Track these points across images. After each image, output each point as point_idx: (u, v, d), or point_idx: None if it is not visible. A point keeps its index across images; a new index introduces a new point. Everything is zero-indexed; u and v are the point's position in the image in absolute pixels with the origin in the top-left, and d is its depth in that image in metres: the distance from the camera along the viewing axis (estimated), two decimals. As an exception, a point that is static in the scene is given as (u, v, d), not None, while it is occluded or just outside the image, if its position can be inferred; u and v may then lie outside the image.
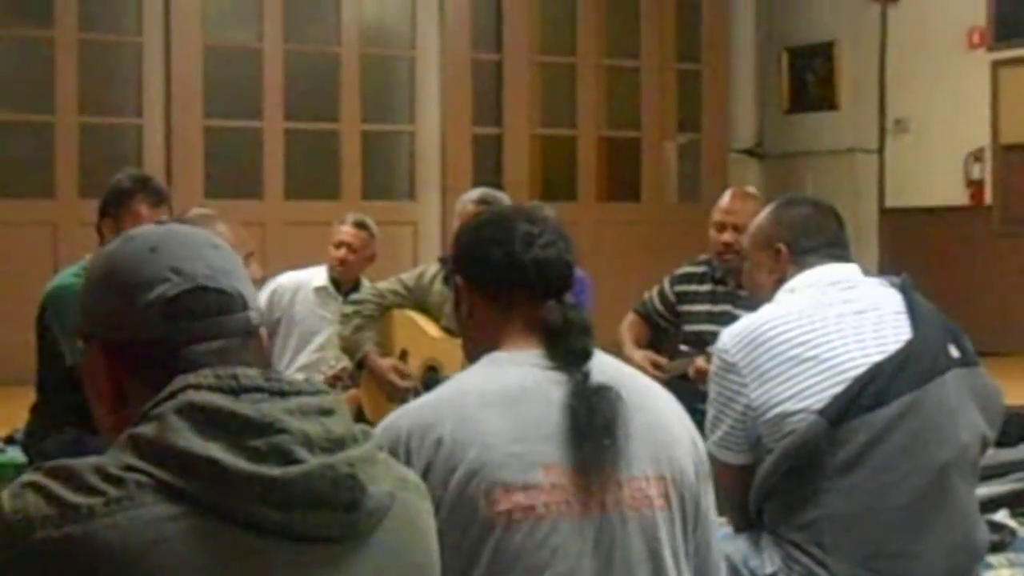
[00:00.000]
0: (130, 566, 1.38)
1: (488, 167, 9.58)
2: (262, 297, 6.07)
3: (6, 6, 8.62)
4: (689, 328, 5.13)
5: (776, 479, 3.03)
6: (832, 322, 3.06)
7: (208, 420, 1.46)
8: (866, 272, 3.25)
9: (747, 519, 3.16)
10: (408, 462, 2.15)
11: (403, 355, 5.05)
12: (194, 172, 8.81)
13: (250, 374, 1.53)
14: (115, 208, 4.36)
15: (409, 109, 9.52)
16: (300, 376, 4.87)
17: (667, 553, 2.24)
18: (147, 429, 1.46)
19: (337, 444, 1.51)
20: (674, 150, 10.42)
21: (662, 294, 5.26)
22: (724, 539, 3.25)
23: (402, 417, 2.28)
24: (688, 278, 5.18)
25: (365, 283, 5.82)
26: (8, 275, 7.78)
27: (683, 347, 5.09)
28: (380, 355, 5.00)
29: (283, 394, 1.53)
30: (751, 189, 5.51)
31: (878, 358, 2.99)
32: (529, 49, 9.73)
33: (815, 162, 10.38)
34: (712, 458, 3.13)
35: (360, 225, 6.03)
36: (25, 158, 8.60)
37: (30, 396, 4.40)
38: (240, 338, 1.62)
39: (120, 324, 1.59)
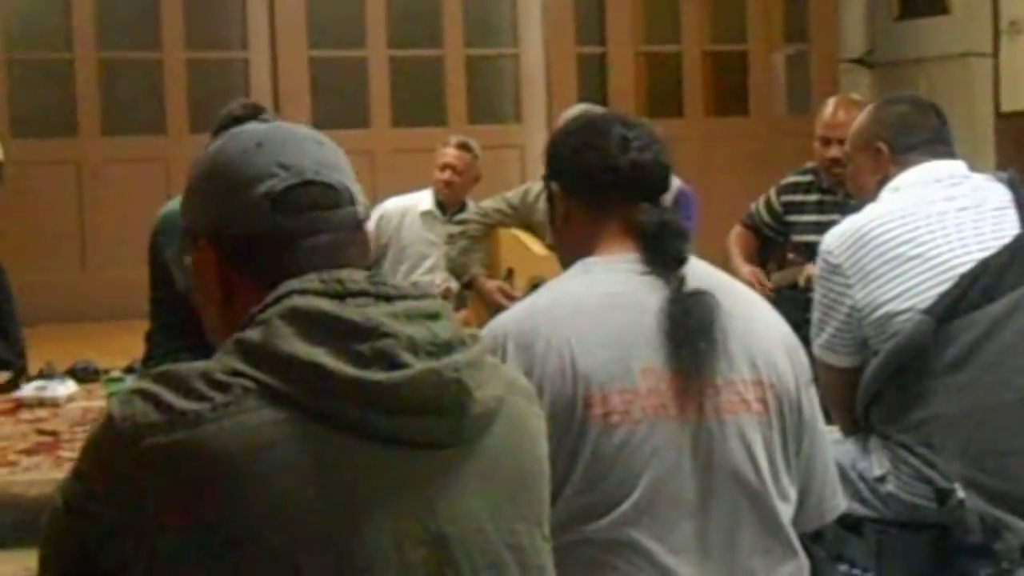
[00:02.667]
0: (237, 471, 1.39)
1: (593, 86, 9.48)
2: (369, 224, 6.12)
3: (111, -53, 8.71)
4: (797, 238, 5.07)
5: (883, 380, 2.99)
6: (936, 219, 3.01)
7: (313, 325, 1.46)
8: (973, 168, 3.18)
9: (855, 422, 3.13)
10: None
11: (509, 273, 5.05)
12: (301, 103, 8.85)
13: (356, 278, 1.53)
14: None
15: (512, 32, 9.46)
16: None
17: (763, 457, 2.22)
18: (253, 334, 1.46)
19: (443, 348, 1.50)
20: (782, 61, 10.24)
21: (769, 205, 5.20)
22: (833, 444, 3.24)
23: (499, 323, 2.28)
24: (794, 188, 5.11)
25: (471, 205, 5.82)
26: (124, 212, 7.90)
27: (791, 256, 5.04)
28: (486, 276, 5.00)
29: (389, 298, 1.52)
30: (855, 96, 5.39)
31: (983, 255, 2.94)
32: (631, -35, 9.61)
33: (928, 68, 10.14)
34: (818, 361, 3.13)
35: (463, 147, 6.03)
36: (135, 96, 8.70)
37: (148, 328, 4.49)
38: (348, 232, 1.62)
39: (229, 218, 1.59)
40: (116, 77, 8.57)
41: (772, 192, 5.20)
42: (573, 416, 2.15)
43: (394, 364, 1.46)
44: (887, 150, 3.16)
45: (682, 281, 2.22)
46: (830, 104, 4.96)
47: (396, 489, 1.47)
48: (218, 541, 1.39)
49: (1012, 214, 3.03)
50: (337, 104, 9.04)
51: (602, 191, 2.33)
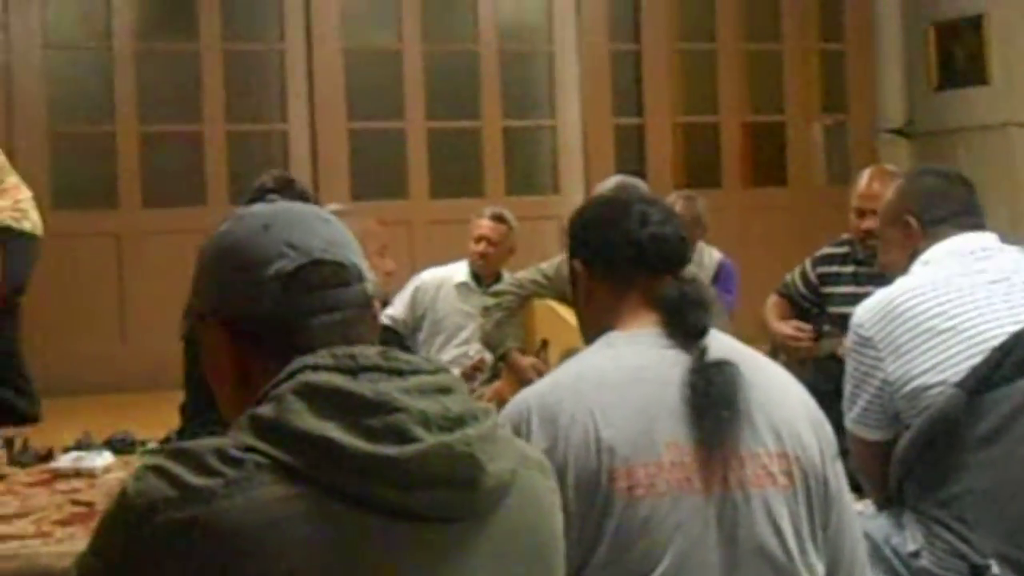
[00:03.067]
0: (249, 547, 1.39)
1: (630, 157, 9.52)
2: (405, 295, 6.13)
3: (152, 22, 8.82)
4: (833, 310, 5.05)
5: (915, 454, 2.97)
6: (967, 292, 2.99)
7: (325, 400, 1.47)
8: (1004, 240, 3.16)
9: (887, 496, 3.10)
10: (531, 440, 2.17)
11: (544, 345, 5.05)
12: (340, 174, 8.92)
13: (368, 353, 1.54)
14: None
15: (549, 103, 9.51)
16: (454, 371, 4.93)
17: (789, 531, 2.21)
18: (266, 410, 1.47)
19: (455, 422, 1.51)
20: (820, 132, 10.25)
21: (804, 276, 5.19)
22: (867, 518, 3.21)
23: (523, 397, 2.30)
24: (830, 259, 5.10)
25: (506, 276, 5.83)
26: (163, 283, 7.94)
27: (827, 328, 5.01)
28: (521, 350, 5.00)
29: (401, 373, 1.53)
30: (890, 167, 5.38)
31: (1016, 327, 2.91)
32: (668, 37, 9.64)
33: (967, 139, 10.12)
34: (850, 435, 3.11)
35: (498, 218, 6.05)
36: (175, 168, 8.78)
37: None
38: (358, 309, 1.64)
39: (240, 300, 1.61)
40: (157, 150, 8.66)
41: (808, 263, 5.18)
42: (598, 489, 2.15)
43: (405, 438, 1.46)
44: (916, 224, 3.15)
45: (704, 352, 2.23)
46: (865, 175, 4.95)
47: (407, 563, 1.47)
48: None
49: (1044, 286, 3.00)
50: (376, 175, 9.10)
51: (624, 266, 2.39)
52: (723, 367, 2.20)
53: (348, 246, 1.67)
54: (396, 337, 6.05)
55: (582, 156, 9.35)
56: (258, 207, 1.72)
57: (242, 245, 1.64)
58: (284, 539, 1.40)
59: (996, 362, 2.88)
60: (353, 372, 1.51)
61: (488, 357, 5.11)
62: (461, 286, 6.07)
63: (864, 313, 3.07)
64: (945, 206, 3.15)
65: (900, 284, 3.08)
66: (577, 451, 2.16)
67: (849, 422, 3.10)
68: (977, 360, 2.90)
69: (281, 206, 1.72)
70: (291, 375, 1.51)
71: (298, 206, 1.74)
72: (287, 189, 4.64)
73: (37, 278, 7.53)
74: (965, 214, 3.14)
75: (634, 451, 2.16)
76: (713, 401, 2.18)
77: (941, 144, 10.27)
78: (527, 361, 4.97)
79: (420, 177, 9.10)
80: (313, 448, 1.44)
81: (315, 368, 1.51)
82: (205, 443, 1.46)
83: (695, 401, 2.18)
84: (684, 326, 2.28)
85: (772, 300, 5.30)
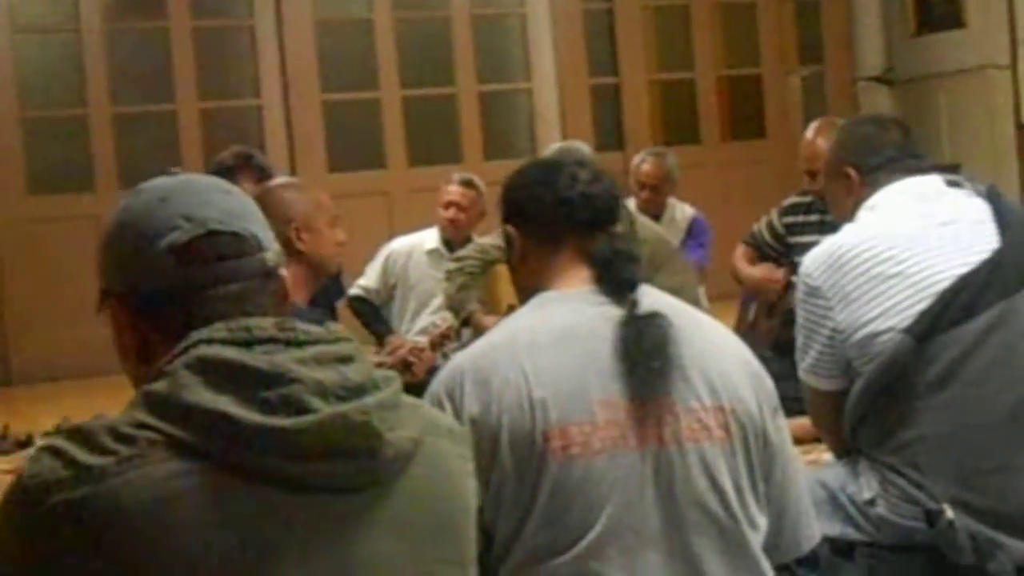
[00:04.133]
0: (143, 524, 1.39)
1: (607, 117, 9.50)
2: (376, 264, 6.12)
3: (120, 2, 8.79)
4: (800, 259, 5.01)
5: (868, 402, 2.95)
6: (915, 236, 2.96)
7: (219, 374, 1.46)
8: (949, 182, 3.14)
9: (843, 445, 3.09)
10: (463, 404, 2.17)
11: (510, 309, 5.02)
12: (316, 147, 8.90)
13: (263, 325, 1.53)
14: None
15: (524, 66, 9.48)
16: (420, 339, 4.92)
17: (728, 485, 2.20)
18: (159, 385, 1.46)
19: (354, 392, 1.49)
20: (798, 83, 10.22)
21: (771, 226, 5.16)
22: (823, 468, 3.20)
23: (457, 362, 2.30)
24: (795, 209, 5.07)
25: (480, 241, 5.82)
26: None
27: (794, 278, 4.99)
28: (485, 312, 4.99)
29: (298, 343, 1.52)
30: (837, 119, 5.26)
31: (963, 270, 2.89)
32: (640, -7, 9.62)
33: (947, 83, 10.08)
34: (804, 385, 3.10)
35: (467, 183, 6.03)
36: (151, 148, 8.75)
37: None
38: (257, 280, 1.63)
39: (136, 274, 1.60)
40: (131, 131, 8.63)
41: (774, 213, 5.16)
42: (533, 450, 2.15)
43: (301, 409, 1.45)
44: (855, 174, 3.14)
45: (634, 304, 2.23)
46: (809, 131, 4.89)
47: (307, 536, 1.46)
48: None
49: (991, 227, 2.98)
50: (352, 146, 9.08)
51: (555, 225, 2.37)
52: (654, 319, 2.20)
53: (247, 216, 1.66)
54: (369, 307, 6.03)
55: (559, 118, 9.33)
56: (159, 180, 1.71)
57: (138, 218, 1.62)
58: (178, 516, 1.39)
59: (944, 306, 2.86)
60: (248, 344, 1.50)
61: (456, 323, 5.10)
62: (432, 252, 6.05)
63: (811, 263, 3.05)
64: (882, 152, 3.13)
65: (847, 231, 3.06)
66: (511, 413, 2.16)
67: (802, 372, 3.09)
68: (925, 305, 2.88)
69: (182, 178, 1.71)
70: (185, 349, 1.50)
71: (200, 178, 1.73)
72: (245, 165, 4.62)
73: (14, 264, 7.53)
74: (903, 158, 3.12)
75: (567, 410, 2.16)
76: (644, 352, 2.17)
77: (921, 90, 10.23)
78: (491, 321, 4.96)
79: (397, 146, 9.08)
80: (206, 422, 1.42)
81: (209, 341, 1.50)
82: (99, 421, 1.45)
83: (626, 354, 2.18)
84: (615, 280, 2.28)
85: (740, 250, 5.28)
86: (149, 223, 1.61)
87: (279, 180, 3.84)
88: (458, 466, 1.65)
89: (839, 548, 2.97)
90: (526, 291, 2.42)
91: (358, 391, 1.50)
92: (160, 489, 1.39)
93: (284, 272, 1.70)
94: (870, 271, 2.95)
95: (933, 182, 3.09)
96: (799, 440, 3.70)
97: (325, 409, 1.46)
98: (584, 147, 5.10)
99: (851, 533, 2.99)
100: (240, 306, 1.58)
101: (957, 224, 2.98)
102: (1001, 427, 2.86)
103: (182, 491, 1.40)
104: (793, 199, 5.12)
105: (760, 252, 5.21)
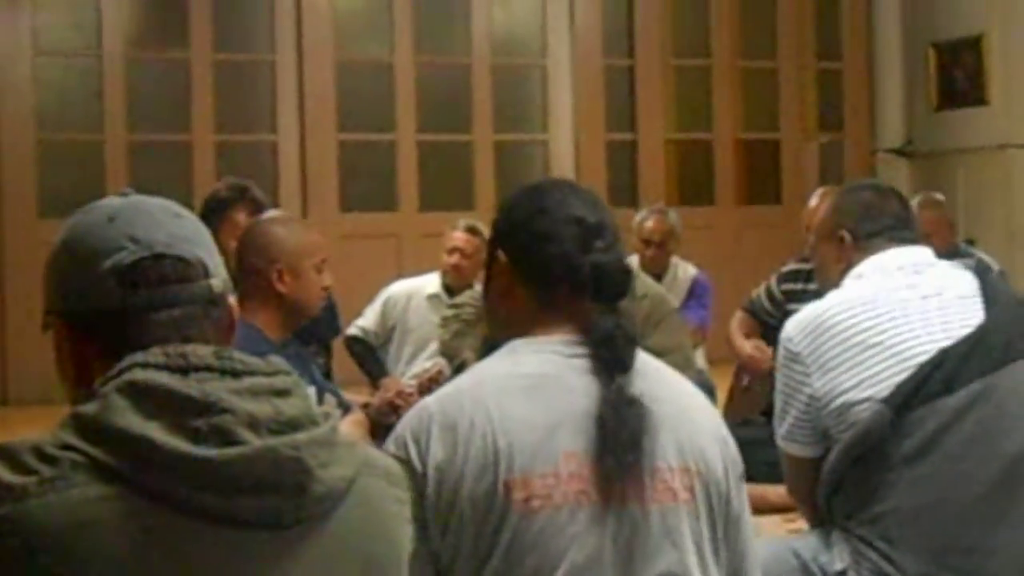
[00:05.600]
0: (60, 547, 1.36)
1: (622, 173, 9.50)
2: (376, 306, 6.10)
3: (143, 30, 8.84)
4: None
5: (842, 471, 2.91)
6: (898, 307, 2.93)
7: (150, 399, 1.43)
8: (939, 255, 3.12)
9: (817, 514, 3.05)
10: (429, 449, 2.12)
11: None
12: (329, 186, 8.91)
13: (200, 353, 1.50)
14: (213, 217, 4.40)
15: (542, 118, 9.49)
16: (413, 383, 4.88)
17: (690, 547, 2.16)
18: (89, 407, 1.43)
19: (287, 426, 1.46)
20: (816, 151, 10.21)
21: (769, 292, 5.14)
22: (797, 537, 3.16)
23: (425, 405, 2.24)
24: (795, 276, 5.05)
25: (478, 289, 5.79)
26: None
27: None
28: (478, 360, 4.95)
29: (235, 373, 1.49)
30: (823, 190, 5.19)
31: (945, 343, 2.86)
32: (662, 52, 9.62)
33: (966, 159, 10.08)
34: (781, 451, 3.06)
35: (472, 230, 6.01)
36: (164, 177, 8.77)
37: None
38: (201, 306, 1.59)
39: (78, 294, 1.58)
40: (145, 159, 8.66)
41: (773, 279, 5.14)
42: (494, 500, 2.10)
43: (230, 441, 1.42)
44: (850, 238, 3.11)
45: (621, 388, 2.14)
46: (813, 198, 4.88)
47: (227, 571, 1.42)
48: None
49: (977, 303, 2.95)
50: (365, 187, 9.10)
51: (556, 286, 2.24)
52: (637, 407, 2.12)
53: (196, 241, 1.63)
54: (365, 347, 6.01)
55: (574, 171, 9.33)
56: (110, 199, 1.69)
57: (83, 237, 1.60)
58: (95, 541, 1.36)
59: (922, 379, 2.83)
60: (183, 371, 1.47)
61: (447, 369, 5.06)
62: (432, 297, 6.03)
63: (793, 328, 3.02)
64: (879, 220, 3.10)
65: (830, 298, 3.03)
66: (475, 461, 2.11)
67: (779, 439, 3.05)
68: (905, 376, 2.84)
69: (133, 199, 1.68)
70: (119, 372, 1.47)
71: (152, 200, 1.69)
72: (241, 198, 4.62)
73: (18, 285, 7.52)
74: (899, 228, 3.09)
75: (532, 460, 2.10)
76: (621, 443, 2.12)
77: (940, 164, 10.22)
78: None
79: (410, 189, 9.09)
80: (132, 448, 1.39)
81: (144, 366, 1.47)
82: (25, 440, 1.42)
83: (602, 438, 2.12)
84: (612, 360, 2.17)
85: (738, 316, 5.26)
86: (94, 243, 1.58)
87: (272, 214, 3.83)
88: (392, 508, 1.61)
89: (807, 618, 2.93)
90: (502, 327, 2.31)
91: (291, 425, 1.47)
92: (79, 513, 1.37)
93: (231, 300, 1.67)
94: (851, 339, 2.92)
95: (922, 253, 3.07)
96: (780, 508, 3.67)
97: (254, 442, 1.43)
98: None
99: (820, 605, 2.95)
100: (181, 332, 1.55)
101: (942, 297, 2.95)
102: (976, 505, 2.82)
103: (102, 516, 1.37)
104: (793, 265, 5.10)
105: (758, 318, 5.19)
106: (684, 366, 4.01)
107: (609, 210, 2.38)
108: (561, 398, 2.16)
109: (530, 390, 2.17)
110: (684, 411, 2.24)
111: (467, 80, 9.25)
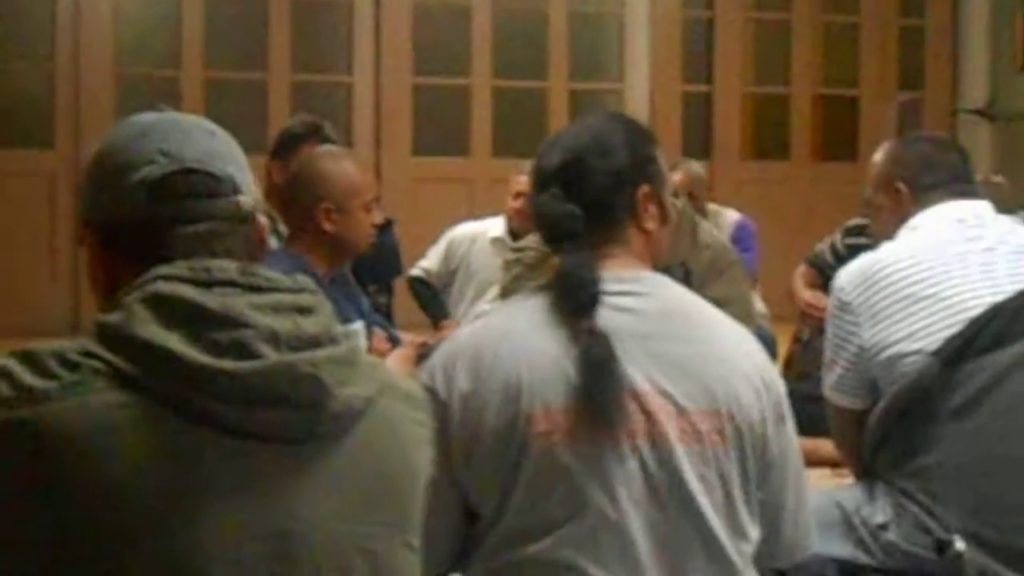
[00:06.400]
0: (76, 450, 1.39)
1: (698, 126, 9.43)
2: (439, 248, 6.10)
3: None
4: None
5: (889, 424, 2.89)
6: (955, 259, 2.89)
7: (172, 311, 1.45)
8: (999, 209, 3.07)
9: (863, 466, 3.03)
10: (456, 378, 2.14)
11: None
12: (402, 129, 8.92)
13: (224, 267, 1.52)
14: (284, 151, 4.45)
15: (618, 67, 9.44)
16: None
17: (718, 491, 2.15)
18: (112, 317, 1.46)
19: (307, 343, 1.48)
20: (895, 109, 10.07)
21: (833, 247, 5.08)
22: (841, 488, 3.14)
23: (456, 338, 2.27)
24: (859, 230, 4.98)
25: (542, 234, 5.77)
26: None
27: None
28: None
29: (258, 289, 1.51)
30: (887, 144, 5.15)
31: (997, 298, 2.82)
32: (742, 5, 9.53)
33: (1050, 123, 9.91)
34: (828, 402, 3.03)
35: (537, 175, 5.98)
36: (239, 115, 8.81)
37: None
38: (229, 222, 1.62)
39: (108, 206, 1.61)
40: (221, 96, 8.70)
41: (838, 234, 5.08)
42: (515, 434, 2.11)
43: (248, 354, 1.44)
44: (906, 189, 3.07)
45: (579, 330, 2.14)
46: (878, 152, 4.79)
47: (240, 482, 1.44)
48: (49, 519, 1.38)
49: (1032, 258, 2.91)
50: (438, 131, 9.10)
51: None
52: (597, 347, 2.12)
53: (227, 158, 1.65)
54: (428, 289, 6.03)
55: (648, 122, 9.24)
56: (145, 114, 1.71)
57: (117, 150, 1.63)
58: (111, 445, 1.39)
59: (974, 333, 2.79)
60: (207, 284, 1.50)
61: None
62: (496, 241, 6.01)
63: (845, 277, 2.99)
64: (938, 173, 3.06)
65: (884, 249, 2.99)
66: (498, 392, 2.12)
67: (827, 389, 3.03)
68: (956, 330, 2.81)
69: (167, 115, 1.71)
70: (144, 284, 1.50)
71: (187, 117, 1.73)
72: (313, 134, 4.63)
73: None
74: (957, 181, 3.05)
75: (556, 395, 2.11)
76: (592, 376, 2.11)
77: (1022, 127, 10.04)
78: None
79: (483, 135, 9.08)
80: (151, 357, 1.42)
81: (168, 278, 1.50)
82: (49, 346, 1.46)
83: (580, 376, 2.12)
84: (570, 305, 2.18)
85: (800, 269, 5.20)
86: (126, 155, 1.61)
87: (324, 148, 3.83)
88: (411, 430, 1.63)
89: (847, 570, 2.91)
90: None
91: (311, 343, 1.49)
92: (97, 418, 1.39)
93: (262, 218, 1.69)
94: (903, 291, 2.88)
95: (983, 207, 3.02)
96: (833, 463, 3.63)
97: (273, 357, 1.45)
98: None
99: (861, 557, 2.93)
100: (207, 246, 1.58)
101: (996, 251, 2.91)
102: (1021, 462, 2.79)
103: (120, 422, 1.40)
104: (858, 220, 5.03)
105: (821, 272, 5.13)
106: (744, 317, 3.98)
107: (615, 149, 2.36)
108: (564, 336, 2.15)
109: (555, 327, 2.17)
110: (719, 353, 2.22)
111: (544, 27, 9.21)
